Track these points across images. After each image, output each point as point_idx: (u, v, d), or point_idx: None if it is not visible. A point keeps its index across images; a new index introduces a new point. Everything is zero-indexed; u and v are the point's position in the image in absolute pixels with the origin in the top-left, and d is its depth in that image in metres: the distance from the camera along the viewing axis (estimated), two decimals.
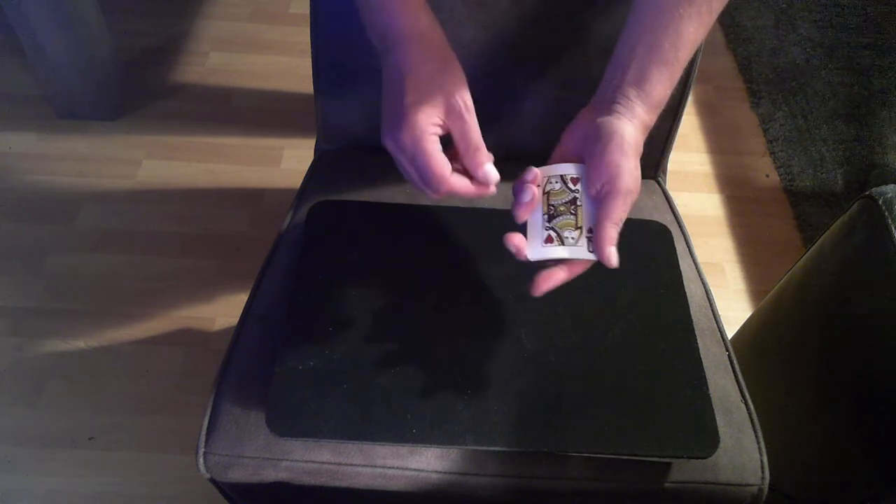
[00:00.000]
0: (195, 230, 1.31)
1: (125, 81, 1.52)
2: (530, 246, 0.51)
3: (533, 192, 0.51)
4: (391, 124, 0.50)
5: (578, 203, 0.52)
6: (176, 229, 1.31)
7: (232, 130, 1.48)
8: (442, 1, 0.66)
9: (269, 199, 1.37)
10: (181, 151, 1.43)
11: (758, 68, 1.68)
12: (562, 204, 0.52)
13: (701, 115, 1.60)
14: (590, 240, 0.51)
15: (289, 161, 1.43)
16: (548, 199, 0.53)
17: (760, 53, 1.71)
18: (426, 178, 0.49)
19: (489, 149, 0.51)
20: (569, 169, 0.53)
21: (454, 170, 0.51)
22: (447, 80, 0.51)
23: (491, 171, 0.51)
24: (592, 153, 0.51)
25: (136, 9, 1.72)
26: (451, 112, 0.50)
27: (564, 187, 0.52)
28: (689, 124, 1.57)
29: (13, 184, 1.35)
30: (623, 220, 0.50)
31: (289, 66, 1.62)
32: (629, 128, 0.51)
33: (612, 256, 0.49)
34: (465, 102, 0.50)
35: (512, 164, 0.79)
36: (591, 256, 0.50)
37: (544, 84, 0.74)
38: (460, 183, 0.50)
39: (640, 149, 0.52)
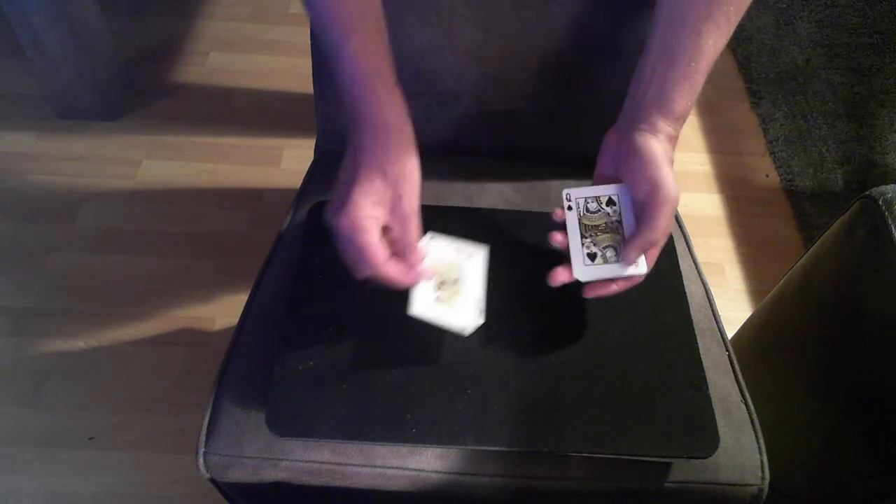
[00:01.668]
0: (195, 230, 1.31)
1: (125, 81, 1.52)
2: (575, 266, 0.54)
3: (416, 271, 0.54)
4: (337, 206, 0.51)
5: (618, 221, 0.55)
6: (176, 229, 1.31)
7: (232, 130, 1.48)
8: (442, 1, 0.66)
9: (269, 199, 1.37)
10: (181, 151, 1.43)
11: (758, 68, 1.68)
12: (600, 225, 0.55)
13: (701, 115, 1.60)
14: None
15: (289, 161, 1.43)
16: (582, 221, 0.56)
17: (760, 53, 1.71)
18: (360, 263, 0.51)
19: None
20: (606, 190, 0.56)
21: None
22: (400, 181, 0.52)
23: (423, 274, 0.54)
24: (626, 173, 0.53)
25: (136, 9, 1.72)
26: (396, 213, 0.52)
27: (600, 208, 0.55)
28: (689, 124, 1.57)
29: (13, 184, 1.35)
30: (668, 228, 0.52)
31: (289, 66, 1.62)
32: (654, 142, 0.53)
33: (639, 265, 0.52)
34: (411, 206, 0.52)
35: (512, 165, 0.79)
36: (634, 271, 0.53)
37: (544, 84, 0.73)
38: (394, 270, 0.52)
39: (671, 157, 0.54)
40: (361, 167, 0.51)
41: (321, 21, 0.52)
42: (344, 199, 0.50)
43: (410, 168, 0.52)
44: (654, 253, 0.54)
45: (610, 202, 0.55)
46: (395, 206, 0.51)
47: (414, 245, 0.53)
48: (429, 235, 0.58)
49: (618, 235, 0.54)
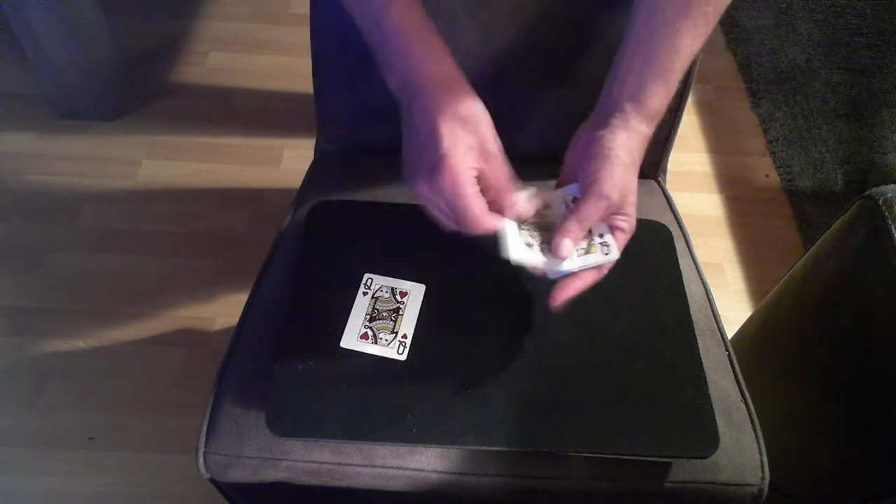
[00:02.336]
0: (195, 230, 1.31)
1: (125, 81, 1.52)
2: (512, 248, 0.52)
3: None
4: (427, 169, 0.50)
5: (553, 223, 0.54)
6: (176, 229, 1.31)
7: (232, 130, 1.48)
8: (442, 1, 0.66)
9: (269, 199, 1.37)
10: (181, 151, 1.43)
11: (758, 68, 1.67)
12: (536, 223, 0.55)
13: (701, 115, 1.60)
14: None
15: (289, 161, 1.43)
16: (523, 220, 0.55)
17: (760, 53, 1.71)
18: (464, 219, 0.50)
19: None
20: (541, 195, 0.55)
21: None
22: (479, 125, 0.52)
23: (523, 210, 0.54)
24: (583, 165, 0.53)
25: (136, 9, 1.72)
26: (485, 155, 0.51)
27: (538, 212, 0.55)
28: (689, 124, 1.57)
29: (13, 184, 1.35)
30: (591, 219, 0.52)
31: (289, 66, 1.62)
32: (621, 138, 0.52)
33: (561, 247, 0.51)
34: (495, 147, 0.52)
35: (512, 165, 0.79)
36: (603, 260, 0.53)
37: (544, 84, 0.73)
38: (491, 222, 0.51)
39: (635, 157, 0.53)
40: (438, 123, 0.50)
41: None
42: (434, 158, 0.49)
43: (480, 110, 0.52)
44: (622, 240, 0.54)
45: (546, 206, 0.55)
46: (482, 152, 0.51)
47: (508, 185, 0.53)
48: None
49: (549, 233, 0.54)
